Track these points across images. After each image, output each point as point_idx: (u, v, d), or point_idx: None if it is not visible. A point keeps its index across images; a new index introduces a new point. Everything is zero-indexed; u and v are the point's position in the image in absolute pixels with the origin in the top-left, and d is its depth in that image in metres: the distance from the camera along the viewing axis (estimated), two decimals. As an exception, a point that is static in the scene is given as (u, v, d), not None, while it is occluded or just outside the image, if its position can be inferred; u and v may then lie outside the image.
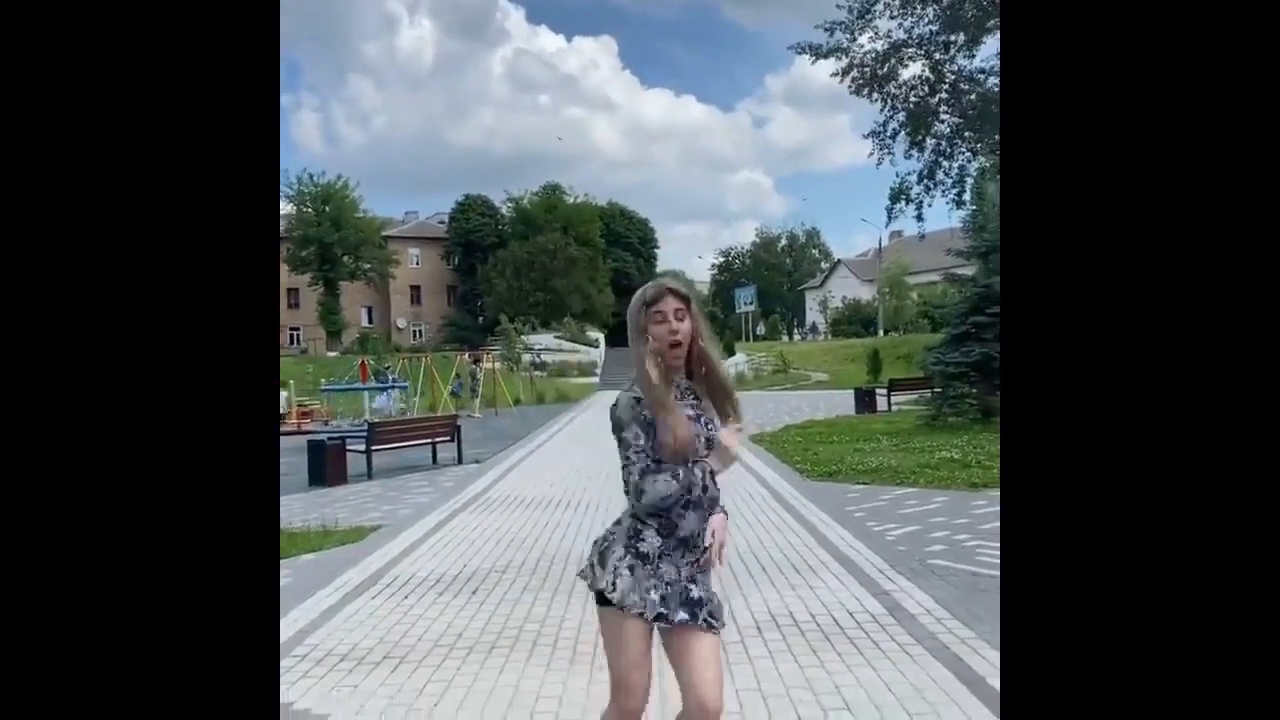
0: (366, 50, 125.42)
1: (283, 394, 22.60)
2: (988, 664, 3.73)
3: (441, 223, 70.53)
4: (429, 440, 13.18)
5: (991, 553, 5.83)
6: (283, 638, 4.51)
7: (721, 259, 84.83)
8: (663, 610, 2.22)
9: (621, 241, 68.27)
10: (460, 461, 12.89)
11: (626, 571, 2.23)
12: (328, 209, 55.92)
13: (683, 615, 2.23)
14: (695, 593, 2.26)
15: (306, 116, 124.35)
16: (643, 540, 2.26)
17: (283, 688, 3.78)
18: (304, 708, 3.57)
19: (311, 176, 56.73)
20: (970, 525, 6.80)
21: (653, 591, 2.23)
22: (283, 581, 5.81)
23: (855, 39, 19.72)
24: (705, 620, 2.25)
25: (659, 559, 2.25)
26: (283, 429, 22.28)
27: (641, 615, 2.21)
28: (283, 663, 4.12)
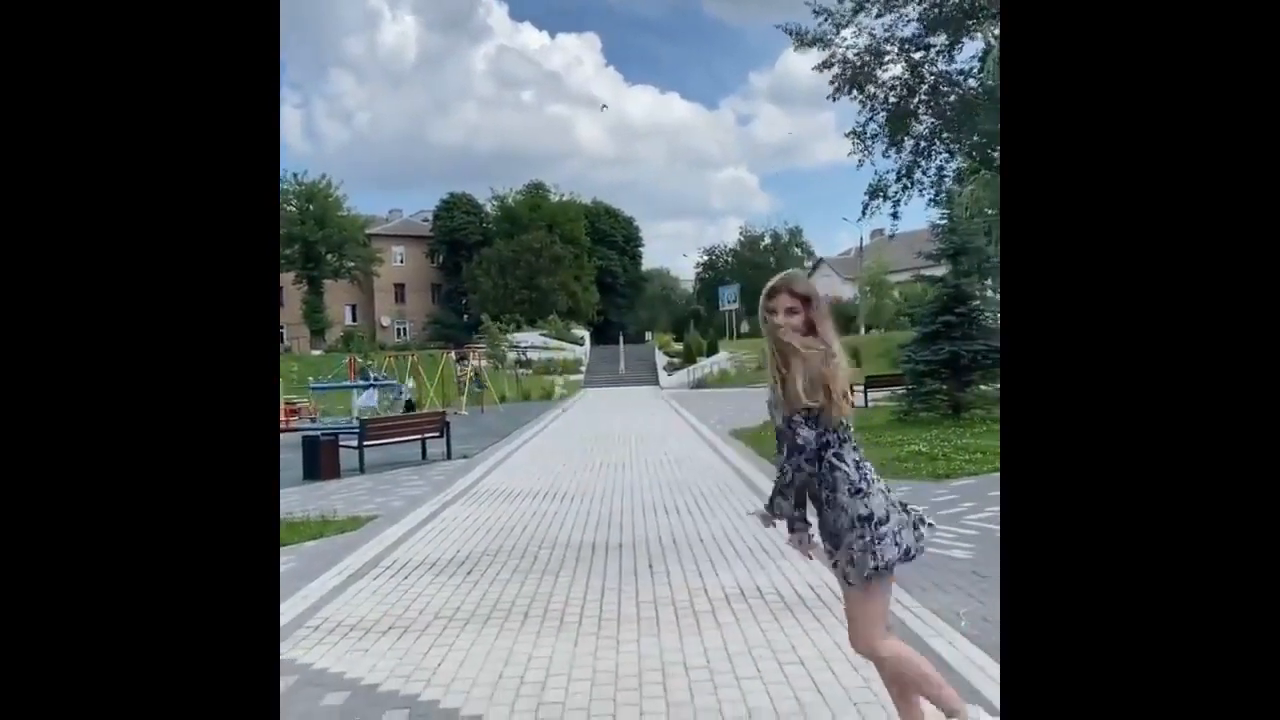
0: (348, 46, 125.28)
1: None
2: (925, 625, 4.23)
3: (426, 221, 70.78)
4: (418, 436, 13.60)
5: (945, 537, 6.33)
6: (295, 612, 4.95)
7: (706, 257, 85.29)
8: None
9: (606, 240, 68.74)
10: (449, 457, 13.33)
11: None
12: (311, 207, 56.19)
13: None
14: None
15: (288, 113, 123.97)
16: None
17: (299, 652, 4.23)
18: (322, 667, 4.01)
19: (295, 175, 56.99)
20: (927, 512, 7.28)
21: None
22: (288, 565, 6.24)
23: (839, 32, 19.97)
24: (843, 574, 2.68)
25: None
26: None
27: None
28: (297, 633, 4.56)
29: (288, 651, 4.24)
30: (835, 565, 2.72)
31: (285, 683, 3.81)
